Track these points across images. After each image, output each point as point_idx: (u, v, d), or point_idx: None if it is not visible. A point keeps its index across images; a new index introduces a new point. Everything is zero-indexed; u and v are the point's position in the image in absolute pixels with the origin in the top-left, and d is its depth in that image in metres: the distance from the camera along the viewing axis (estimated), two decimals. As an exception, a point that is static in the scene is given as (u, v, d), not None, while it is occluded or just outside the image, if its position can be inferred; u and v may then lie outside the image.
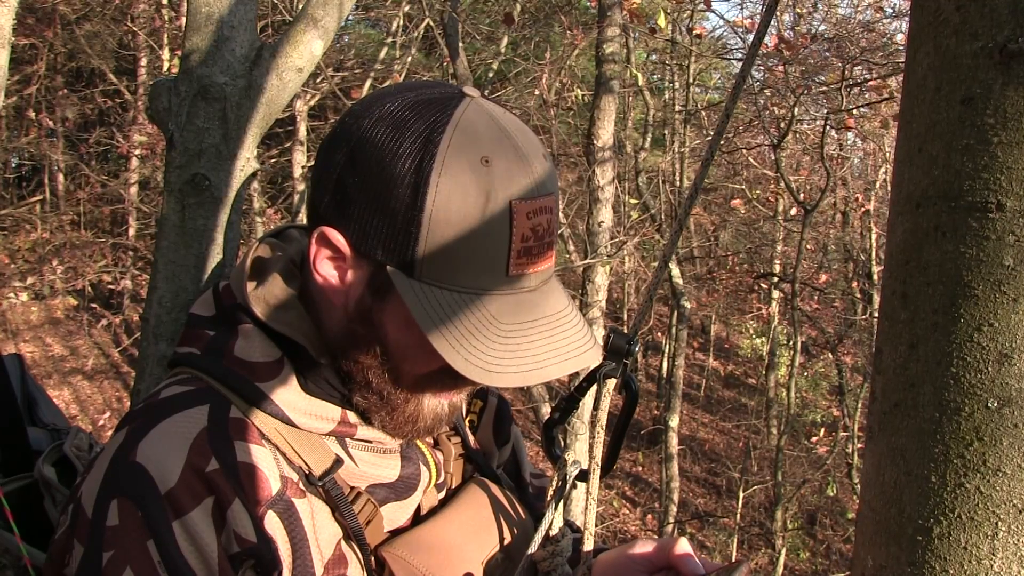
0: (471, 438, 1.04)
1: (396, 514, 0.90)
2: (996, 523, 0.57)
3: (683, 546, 0.91)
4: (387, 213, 0.76)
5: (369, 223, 0.78)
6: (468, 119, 0.77)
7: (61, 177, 13.09)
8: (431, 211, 0.74)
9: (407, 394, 0.85)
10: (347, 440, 0.87)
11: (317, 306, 0.87)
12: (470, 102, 0.79)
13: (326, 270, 0.82)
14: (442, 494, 0.96)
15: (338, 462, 0.84)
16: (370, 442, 0.89)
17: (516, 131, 0.79)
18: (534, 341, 0.78)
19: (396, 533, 0.89)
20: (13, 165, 13.91)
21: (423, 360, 0.82)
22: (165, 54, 10.30)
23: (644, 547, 0.94)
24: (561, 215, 7.12)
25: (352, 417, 0.87)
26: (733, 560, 0.91)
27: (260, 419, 0.82)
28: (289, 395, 0.83)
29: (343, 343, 0.85)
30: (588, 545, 0.97)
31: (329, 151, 0.82)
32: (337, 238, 0.80)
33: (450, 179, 0.75)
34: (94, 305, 11.22)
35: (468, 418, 1.08)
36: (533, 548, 0.93)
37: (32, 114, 11.09)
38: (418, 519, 0.92)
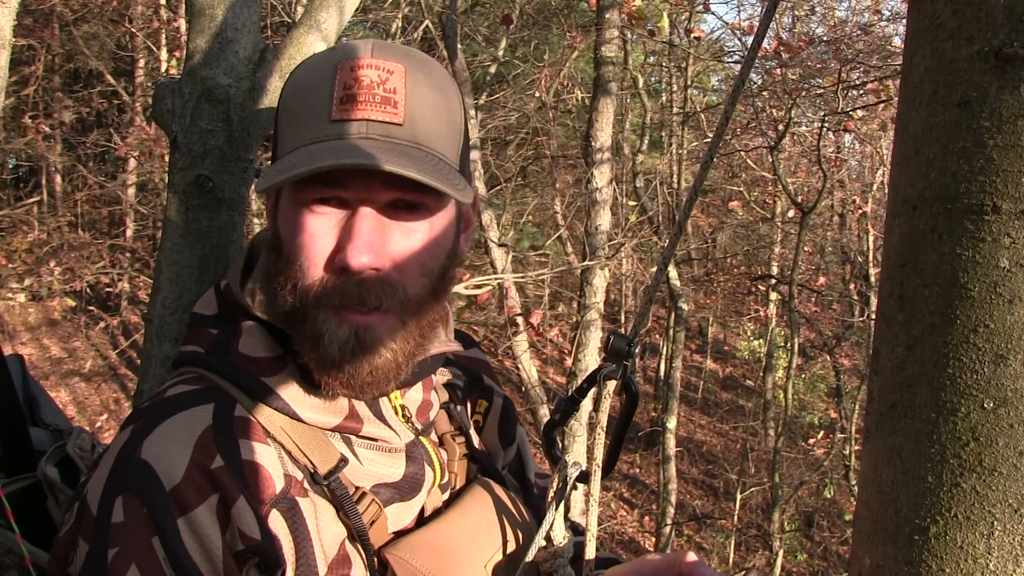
0: (475, 438, 1.04)
1: (401, 515, 0.90)
2: (992, 522, 0.58)
3: (692, 556, 0.92)
4: (273, 126, 0.88)
5: (273, 147, 0.88)
6: (349, 41, 0.85)
7: (59, 178, 13.07)
8: (284, 97, 0.86)
9: (302, 307, 0.81)
10: (352, 439, 0.88)
11: None
12: (367, 39, 0.90)
13: (271, 222, 0.89)
14: (446, 495, 0.96)
15: (343, 461, 0.84)
16: (375, 440, 0.89)
17: (382, 43, 0.85)
18: (340, 147, 0.78)
19: (400, 534, 0.89)
20: (10, 166, 13.88)
21: (297, 245, 0.81)
22: (163, 55, 10.28)
23: (653, 561, 0.95)
24: (559, 217, 7.12)
25: (360, 409, 0.87)
26: (746, 568, 0.93)
27: (265, 416, 0.83)
28: (294, 390, 0.83)
29: (274, 282, 0.84)
30: (591, 547, 0.97)
31: None
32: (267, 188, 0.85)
33: (301, 69, 0.87)
34: (92, 308, 11.20)
35: (473, 418, 1.08)
36: (534, 550, 0.93)
37: (29, 117, 11.07)
38: (422, 520, 0.92)
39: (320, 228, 0.80)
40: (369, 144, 0.78)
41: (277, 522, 0.79)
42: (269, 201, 0.89)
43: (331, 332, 0.81)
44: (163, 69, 10.31)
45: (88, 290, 11.24)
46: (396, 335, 0.83)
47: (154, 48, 10.54)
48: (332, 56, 0.84)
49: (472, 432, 1.04)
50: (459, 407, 1.04)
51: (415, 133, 0.81)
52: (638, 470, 12.88)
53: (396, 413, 0.91)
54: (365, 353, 0.81)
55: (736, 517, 10.78)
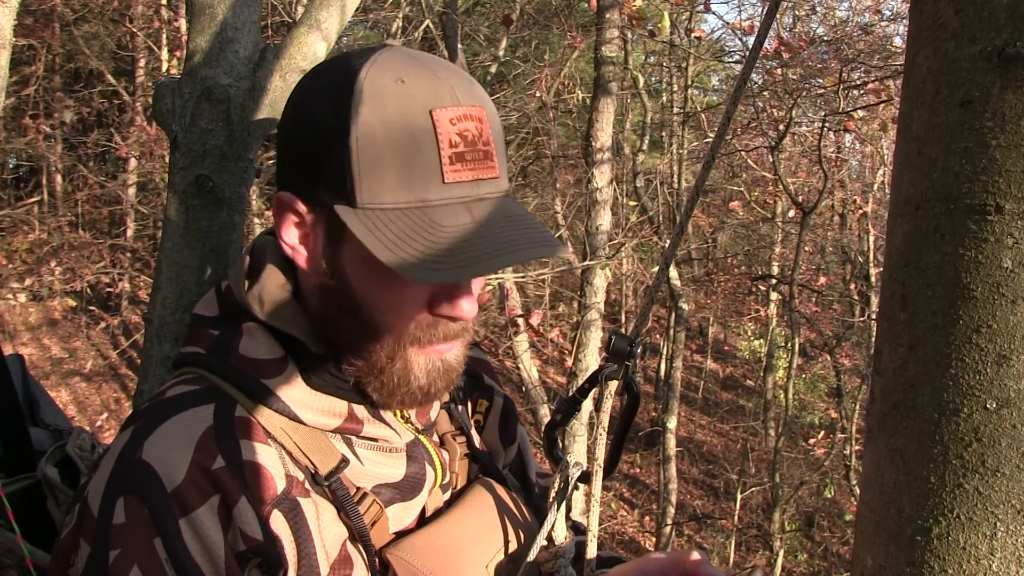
0: (476, 438, 1.04)
1: (402, 515, 0.90)
2: (995, 523, 0.58)
3: (696, 555, 0.92)
4: (321, 152, 0.79)
5: (310, 170, 0.80)
6: (384, 56, 0.81)
7: (59, 178, 13.08)
8: (357, 135, 0.77)
9: (390, 350, 0.83)
10: (353, 439, 0.87)
11: (304, 289, 0.87)
12: (389, 47, 0.83)
13: (291, 237, 0.84)
14: (447, 495, 0.96)
15: (344, 462, 0.84)
16: (376, 440, 0.89)
17: (431, 59, 0.83)
18: (484, 236, 0.78)
19: (401, 535, 0.88)
20: (11, 166, 13.89)
21: (391, 300, 0.82)
22: (164, 55, 10.29)
23: (657, 560, 0.95)
24: (559, 217, 7.13)
25: (359, 411, 0.87)
26: (749, 567, 0.93)
27: (266, 417, 0.82)
28: (295, 392, 0.83)
29: (323, 312, 0.85)
30: (592, 548, 0.97)
31: (277, 132, 0.87)
32: (291, 199, 0.82)
33: (370, 102, 0.77)
34: (92, 307, 11.21)
35: (474, 418, 1.08)
36: (536, 550, 0.93)
37: (29, 117, 11.08)
38: (423, 520, 0.92)
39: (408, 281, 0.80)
40: (496, 212, 0.80)
41: (279, 523, 0.79)
42: (322, 219, 0.82)
43: (421, 367, 0.85)
44: (164, 69, 10.32)
45: (89, 290, 11.25)
46: (463, 353, 0.89)
47: (155, 48, 10.54)
48: (417, 96, 0.78)
49: (473, 432, 1.04)
50: (460, 407, 1.04)
51: (505, 180, 0.84)
52: (638, 470, 12.89)
53: (395, 414, 0.91)
54: (448, 376, 0.88)
55: (736, 517, 10.78)
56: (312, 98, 0.81)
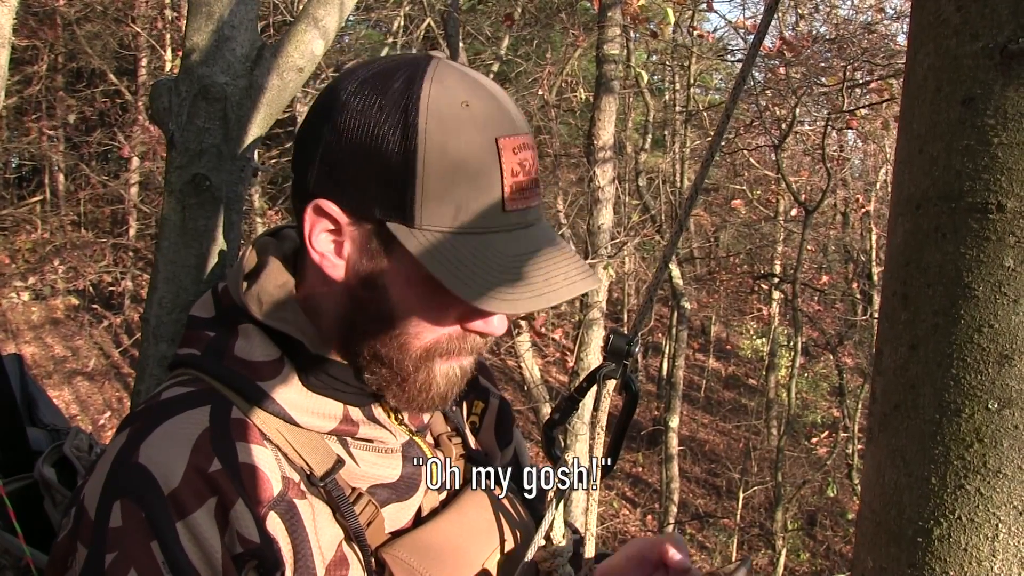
0: (472, 439, 1.04)
1: (397, 515, 0.89)
2: (996, 525, 0.57)
3: (675, 539, 0.94)
4: (380, 168, 0.78)
5: (363, 184, 0.79)
6: (441, 73, 0.80)
7: (61, 177, 13.10)
8: (423, 157, 0.76)
9: (418, 359, 0.84)
10: (348, 440, 0.87)
11: (315, 293, 0.87)
12: (439, 61, 0.82)
13: (323, 245, 0.82)
14: (443, 495, 0.96)
15: (339, 463, 0.84)
16: (371, 441, 0.89)
17: (484, 80, 0.83)
18: (542, 268, 0.80)
19: (397, 534, 0.88)
20: (13, 165, 13.92)
21: (430, 316, 0.83)
22: (168, 55, 10.29)
23: (638, 542, 0.97)
24: (561, 216, 7.12)
25: (354, 413, 0.87)
26: (739, 557, 0.93)
27: (261, 419, 0.82)
28: (290, 394, 0.83)
29: (348, 319, 0.85)
30: (589, 545, 0.97)
31: (309, 131, 0.84)
32: (331, 208, 0.81)
33: (437, 124, 0.77)
34: (95, 306, 11.23)
35: (470, 420, 1.08)
36: (534, 549, 0.93)
37: (32, 116, 11.10)
38: (419, 520, 0.92)
39: (452, 298, 0.80)
40: (543, 239, 0.83)
41: (275, 524, 0.79)
42: (366, 233, 0.81)
43: (442, 375, 0.87)
44: (167, 69, 10.32)
45: (91, 289, 11.27)
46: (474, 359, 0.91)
47: (158, 47, 10.55)
48: (483, 122, 0.78)
49: (468, 433, 1.04)
50: (455, 408, 1.03)
51: (541, 205, 0.86)
52: (641, 469, 12.89)
53: (389, 416, 0.91)
54: (461, 382, 0.89)
55: (739, 516, 10.79)
56: (368, 111, 0.79)
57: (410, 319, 0.83)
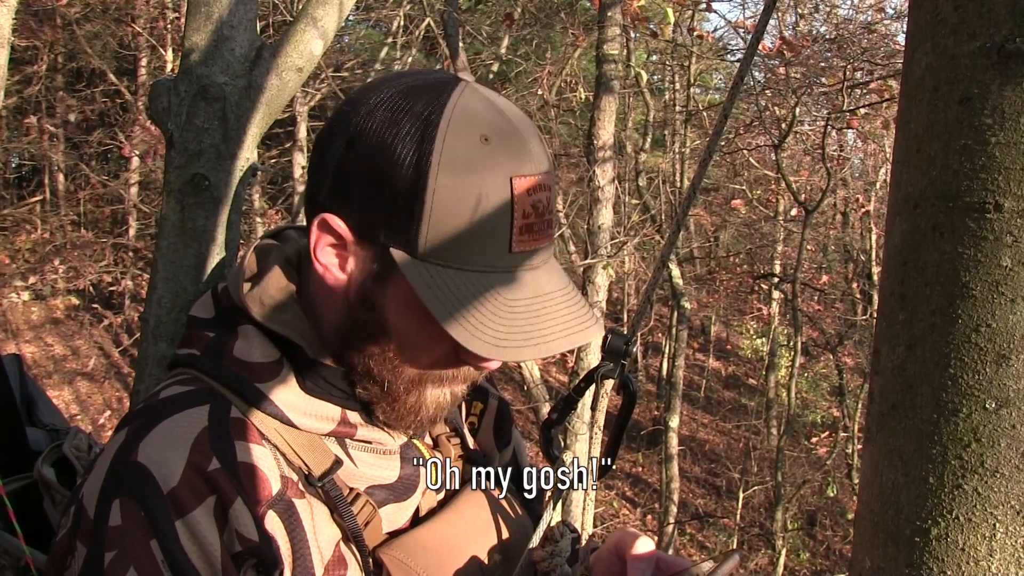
0: (470, 440, 1.04)
1: (395, 516, 0.90)
2: (994, 524, 0.57)
3: (642, 543, 0.91)
4: (389, 195, 0.77)
5: (371, 206, 0.78)
6: (465, 101, 0.78)
7: (61, 177, 13.10)
8: (434, 190, 0.75)
9: (409, 383, 0.84)
10: (347, 441, 0.87)
11: (316, 299, 0.86)
12: (465, 86, 0.80)
13: (327, 258, 0.82)
14: (441, 496, 0.96)
15: (337, 463, 0.84)
16: (370, 443, 0.89)
17: (511, 113, 0.81)
18: (540, 316, 0.79)
19: (395, 535, 0.89)
20: (13, 165, 13.92)
21: (425, 344, 0.82)
22: (168, 55, 10.29)
23: (615, 539, 0.95)
24: (561, 215, 7.12)
25: (352, 417, 0.87)
26: (727, 551, 0.91)
27: (260, 419, 0.82)
28: (288, 395, 0.83)
29: (345, 333, 0.84)
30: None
31: (327, 141, 0.82)
32: (338, 224, 0.80)
33: (452, 158, 0.75)
34: (95, 306, 11.23)
35: (468, 420, 1.08)
36: (531, 548, 0.93)
37: (32, 117, 11.09)
38: (417, 520, 0.92)
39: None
40: (548, 282, 0.82)
41: (274, 523, 0.79)
42: (369, 254, 0.81)
43: (432, 400, 0.87)
44: (167, 69, 10.32)
45: (91, 288, 11.26)
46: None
47: (158, 47, 10.55)
48: (501, 161, 0.77)
49: (467, 433, 1.04)
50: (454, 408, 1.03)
51: (554, 242, 0.84)
52: (640, 469, 12.89)
53: None
54: (451, 407, 0.90)
55: (739, 516, 10.78)
56: (385, 135, 0.77)
57: (405, 344, 0.82)
